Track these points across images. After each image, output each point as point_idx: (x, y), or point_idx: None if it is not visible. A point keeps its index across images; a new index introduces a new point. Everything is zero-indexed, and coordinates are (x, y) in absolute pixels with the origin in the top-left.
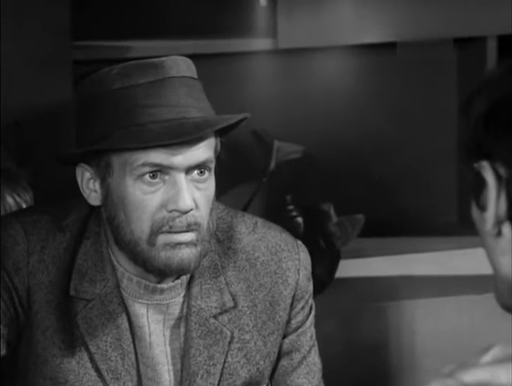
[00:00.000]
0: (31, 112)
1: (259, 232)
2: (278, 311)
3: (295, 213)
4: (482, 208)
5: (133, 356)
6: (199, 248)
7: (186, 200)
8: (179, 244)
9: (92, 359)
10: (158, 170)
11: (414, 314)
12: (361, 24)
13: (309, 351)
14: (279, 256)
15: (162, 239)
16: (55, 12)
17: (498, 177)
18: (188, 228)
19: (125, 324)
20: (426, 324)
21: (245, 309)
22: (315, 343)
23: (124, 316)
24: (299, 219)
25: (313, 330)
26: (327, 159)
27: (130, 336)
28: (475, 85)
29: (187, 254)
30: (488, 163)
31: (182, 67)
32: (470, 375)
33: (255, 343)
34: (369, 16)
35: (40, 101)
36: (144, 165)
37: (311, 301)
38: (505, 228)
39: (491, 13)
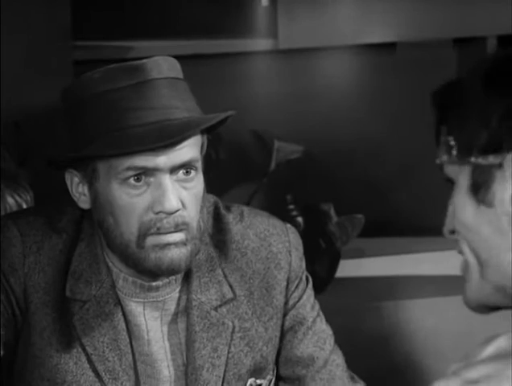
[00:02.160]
0: (31, 112)
1: (246, 221)
2: (275, 295)
3: (295, 213)
4: (488, 204)
5: (130, 356)
6: (189, 248)
7: (171, 201)
8: (169, 244)
9: (89, 360)
10: (143, 173)
11: (414, 313)
12: (361, 24)
13: (313, 321)
14: (269, 241)
15: (150, 240)
16: (56, 12)
17: None
18: (176, 229)
19: (122, 325)
20: (426, 324)
21: (242, 298)
22: (320, 313)
23: (120, 316)
24: (300, 219)
25: (313, 301)
26: (327, 159)
27: (126, 336)
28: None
29: (176, 254)
30: (507, 157)
31: (163, 67)
32: (474, 372)
33: (256, 330)
34: (369, 16)
35: (40, 102)
36: (129, 169)
37: (304, 276)
38: None
39: (491, 13)
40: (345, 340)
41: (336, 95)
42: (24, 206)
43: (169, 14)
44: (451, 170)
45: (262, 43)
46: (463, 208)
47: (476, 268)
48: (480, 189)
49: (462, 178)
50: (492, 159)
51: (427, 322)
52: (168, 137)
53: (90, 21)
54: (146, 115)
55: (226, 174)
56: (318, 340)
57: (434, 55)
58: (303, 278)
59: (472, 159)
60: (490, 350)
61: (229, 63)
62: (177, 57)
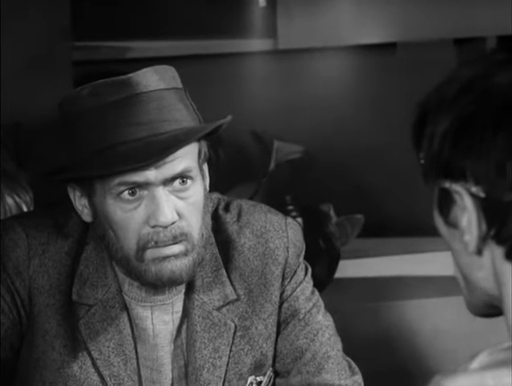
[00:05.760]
0: (31, 112)
1: (243, 219)
2: (273, 291)
3: (294, 213)
4: (453, 225)
5: (135, 361)
6: (191, 258)
7: (166, 214)
8: (168, 257)
9: (94, 365)
10: (136, 186)
11: (414, 314)
12: (361, 24)
13: (307, 313)
14: (265, 238)
15: (149, 254)
16: (55, 13)
17: (474, 198)
18: (175, 240)
19: (128, 329)
20: (426, 324)
21: (242, 297)
22: (318, 304)
23: (126, 321)
24: (299, 220)
25: (309, 293)
26: (326, 159)
27: (132, 341)
28: (427, 96)
29: (177, 266)
30: (461, 186)
31: (152, 80)
32: (456, 383)
33: (256, 328)
34: (368, 16)
35: (40, 102)
36: (120, 184)
37: (299, 269)
38: (487, 248)
39: (491, 13)
40: (344, 340)
41: (336, 95)
42: (24, 206)
43: (168, 15)
44: None
45: (261, 44)
46: (438, 224)
47: (462, 282)
48: (443, 211)
49: (434, 195)
50: (448, 185)
51: (428, 322)
52: (150, 156)
53: (90, 22)
54: (132, 131)
55: (226, 175)
56: (310, 331)
57: (434, 55)
58: (298, 271)
59: (438, 180)
60: (474, 364)
61: (227, 64)
62: (176, 57)
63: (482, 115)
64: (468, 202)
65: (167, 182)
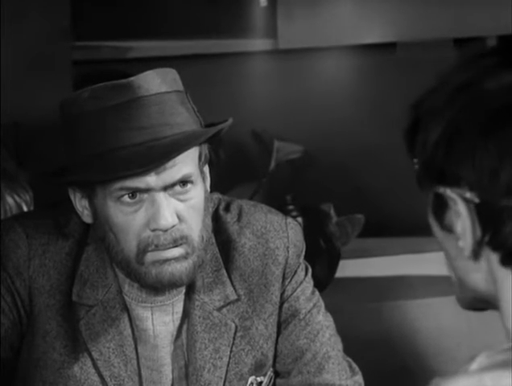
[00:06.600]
0: (31, 112)
1: (244, 220)
2: (274, 292)
3: (295, 213)
4: (448, 230)
5: (135, 362)
6: (191, 261)
7: (166, 218)
8: (168, 260)
9: (95, 366)
10: (137, 190)
11: (415, 314)
12: (361, 24)
13: (308, 313)
14: (266, 238)
15: (150, 256)
16: (55, 12)
17: (468, 204)
18: (175, 243)
19: (128, 330)
20: (426, 324)
21: (243, 297)
22: (318, 304)
23: (127, 322)
24: (299, 220)
25: (309, 293)
26: (327, 159)
27: (132, 342)
28: (418, 101)
29: (177, 269)
30: (455, 192)
31: (152, 84)
32: (455, 385)
33: (257, 328)
34: (368, 16)
35: (40, 102)
36: (121, 189)
37: (300, 269)
38: (483, 253)
39: (491, 13)
40: (345, 341)
41: (336, 95)
42: (24, 206)
43: (168, 15)
44: None
45: (261, 43)
46: (433, 228)
47: (456, 281)
48: (438, 215)
49: (428, 200)
50: (442, 190)
51: (428, 322)
52: (151, 162)
53: (89, 21)
54: (133, 136)
55: (226, 175)
56: (310, 332)
57: (434, 55)
58: (299, 271)
59: (432, 186)
60: (473, 366)
61: (228, 64)
62: (176, 57)
63: (473, 122)
64: (462, 208)
65: (168, 187)
